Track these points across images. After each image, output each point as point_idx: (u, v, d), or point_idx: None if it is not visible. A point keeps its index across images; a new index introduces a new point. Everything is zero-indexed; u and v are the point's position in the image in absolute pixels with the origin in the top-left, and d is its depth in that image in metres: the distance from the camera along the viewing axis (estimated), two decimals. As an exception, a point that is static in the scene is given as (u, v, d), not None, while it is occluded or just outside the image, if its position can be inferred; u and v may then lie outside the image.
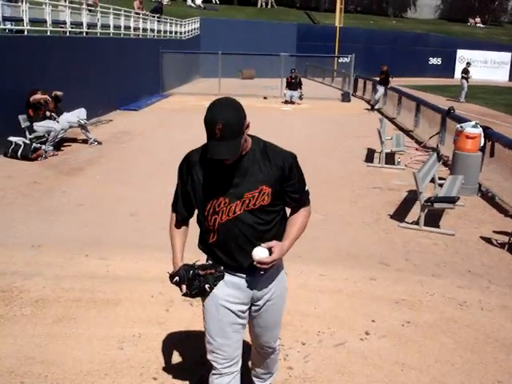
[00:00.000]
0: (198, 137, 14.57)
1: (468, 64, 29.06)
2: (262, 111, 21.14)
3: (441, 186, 9.22)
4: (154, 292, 5.46)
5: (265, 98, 25.15)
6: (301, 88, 24.03)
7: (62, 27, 15.97)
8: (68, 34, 16.14)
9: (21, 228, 7.31)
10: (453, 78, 31.62)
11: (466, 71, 27.87)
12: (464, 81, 27.47)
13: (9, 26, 13.10)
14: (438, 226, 8.00)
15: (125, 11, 21.40)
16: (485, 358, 4.44)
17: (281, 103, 23.65)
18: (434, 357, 4.42)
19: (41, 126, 11.94)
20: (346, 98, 25.70)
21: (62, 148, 12.47)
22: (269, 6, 49.17)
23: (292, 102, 23.58)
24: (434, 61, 47.02)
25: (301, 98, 23.93)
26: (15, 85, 11.81)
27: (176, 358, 4.30)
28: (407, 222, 8.10)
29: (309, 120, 19.03)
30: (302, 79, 25.27)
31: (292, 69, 24.48)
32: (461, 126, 10.21)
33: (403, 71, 34.35)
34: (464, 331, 4.89)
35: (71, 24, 16.28)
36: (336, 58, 37.98)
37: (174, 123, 17.46)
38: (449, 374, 4.20)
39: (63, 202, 8.58)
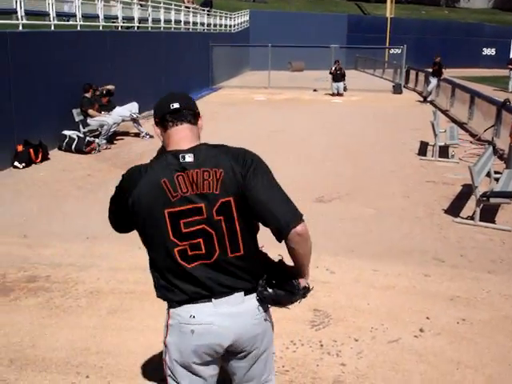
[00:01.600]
0: (248, 129, 14.71)
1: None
2: (311, 103, 21.07)
3: (497, 180, 8.98)
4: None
5: (315, 90, 25.02)
6: (344, 79, 23.86)
7: (113, 22, 16.21)
8: (120, 28, 16.37)
9: (76, 220, 7.47)
10: (507, 68, 30.89)
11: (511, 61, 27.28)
12: (511, 71, 26.86)
13: (63, 22, 13.32)
14: (493, 222, 7.80)
15: (175, 5, 21.59)
16: (544, 358, 4.31)
17: (330, 96, 23.47)
18: (490, 355, 4.31)
19: (94, 120, 12.18)
20: (397, 89, 25.33)
21: (115, 141, 12.70)
22: None
23: (340, 94, 23.41)
24: (487, 51, 45.94)
25: (345, 89, 23.77)
26: (68, 79, 12.06)
27: (228, 351, 4.32)
28: (462, 217, 7.92)
29: (359, 112, 18.82)
30: (352, 71, 25.08)
31: (335, 60, 24.34)
32: (517, 119, 9.92)
33: (456, 62, 33.65)
34: (522, 330, 4.76)
35: (123, 19, 16.51)
36: (387, 50, 37.46)
37: (224, 116, 17.52)
38: (505, 373, 4.09)
39: (116, 195, 8.70)
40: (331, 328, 4.68)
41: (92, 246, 6.54)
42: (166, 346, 2.58)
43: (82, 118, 12.13)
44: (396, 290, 5.46)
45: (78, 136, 11.55)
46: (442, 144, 12.10)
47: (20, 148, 10.18)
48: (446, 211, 8.22)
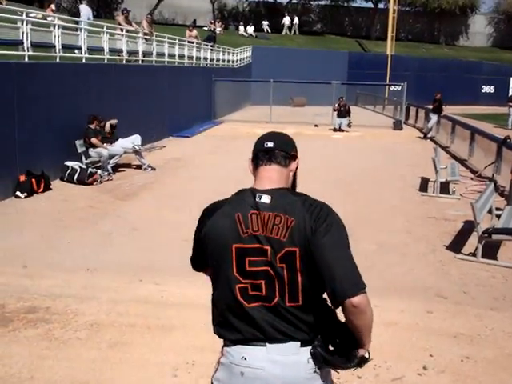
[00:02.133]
0: (248, 164, 14.56)
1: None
2: (312, 139, 21.14)
3: (498, 216, 8.98)
4: (207, 319, 5.36)
5: (316, 125, 25.17)
6: (349, 115, 24.04)
7: (118, 55, 16.40)
8: (124, 61, 16.55)
9: (77, 251, 7.44)
10: (506, 106, 31.16)
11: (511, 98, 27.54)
12: (511, 108, 27.11)
13: (71, 54, 13.48)
14: (495, 258, 7.78)
15: (179, 40, 21.87)
16: (550, 398, 4.26)
17: (331, 131, 23.61)
18: (495, 395, 4.26)
19: (94, 151, 12.25)
20: (397, 125, 25.47)
21: (117, 173, 12.71)
22: (296, 33, 48.94)
23: (341, 130, 23.54)
24: (486, 89, 46.32)
25: (349, 125, 23.90)
26: (72, 111, 12.16)
27: (230, 387, 4.26)
28: (464, 254, 7.90)
29: (360, 148, 18.91)
30: (353, 107, 25.25)
31: (340, 97, 24.56)
32: (519, 156, 9.97)
33: (455, 99, 33.86)
34: (527, 369, 4.71)
35: (127, 52, 16.71)
36: (387, 86, 37.81)
37: (226, 150, 17.60)
38: (512, 413, 4.04)
39: (118, 227, 8.71)
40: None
41: (92, 278, 6.50)
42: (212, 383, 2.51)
43: (84, 149, 12.19)
44: (399, 326, 5.42)
45: (80, 167, 11.59)
46: (443, 180, 12.13)
47: (22, 178, 10.20)
48: (448, 247, 8.20)
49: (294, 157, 2.55)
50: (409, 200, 11.29)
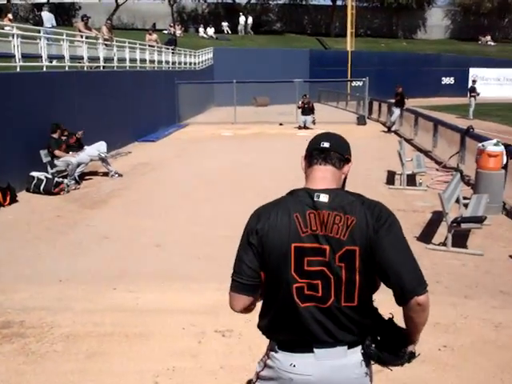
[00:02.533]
0: (216, 166, 14.65)
1: (474, 82, 29.21)
2: (278, 137, 21.23)
3: (465, 205, 9.13)
4: (184, 324, 5.42)
5: (280, 124, 25.24)
6: (313, 113, 24.18)
7: (79, 62, 16.21)
8: (85, 68, 16.36)
9: (47, 263, 7.33)
10: (466, 96, 31.63)
11: (472, 89, 28.03)
12: (472, 98, 27.62)
13: (26, 63, 13.28)
14: (465, 247, 7.90)
15: (140, 44, 21.72)
16: (527, 381, 4.34)
17: (296, 129, 23.69)
18: (474, 381, 4.33)
19: (60, 161, 12.09)
20: (361, 121, 25.69)
21: (84, 181, 12.56)
22: (250, 33, 48.89)
23: (306, 128, 23.65)
24: (446, 80, 47.01)
25: (314, 122, 24.03)
26: (35, 120, 11.97)
27: (212, 390, 4.25)
28: (434, 244, 8.01)
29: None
30: (316, 104, 25.38)
31: (303, 94, 24.67)
32: (482, 145, 10.14)
33: (416, 92, 34.29)
34: (502, 353, 4.79)
35: (88, 59, 16.53)
36: (349, 82, 38.12)
37: (193, 153, 17.55)
38: (492, 398, 4.11)
39: (88, 235, 8.61)
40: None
41: (65, 289, 6.41)
42: (258, 378, 2.53)
43: (49, 158, 12.01)
44: (376, 319, 5.47)
45: (46, 177, 11.41)
46: (410, 172, 12.28)
47: (-13, 192, 10.01)
48: (419, 238, 8.30)
49: (348, 160, 2.55)
50: (376, 193, 11.35)
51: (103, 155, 13.03)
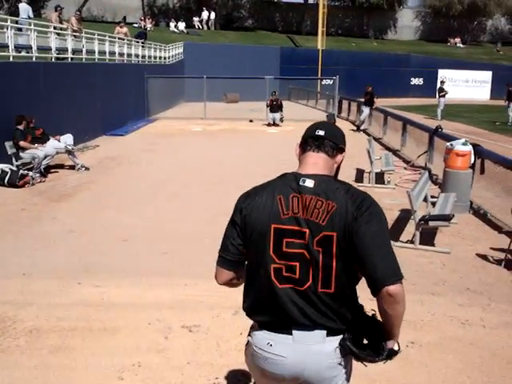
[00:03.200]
0: (186, 160, 14.53)
1: (442, 83, 29.57)
2: (247, 134, 21.19)
3: (433, 204, 9.21)
4: (151, 319, 5.34)
5: (251, 121, 25.20)
6: (282, 110, 24.21)
7: (47, 53, 15.92)
8: (53, 59, 16.07)
9: (11, 256, 7.16)
10: (435, 97, 32.01)
11: (440, 90, 28.38)
12: (441, 99, 27.97)
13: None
14: (433, 245, 7.96)
15: (109, 36, 21.44)
16: (492, 377, 4.37)
17: (266, 126, 23.67)
18: (441, 377, 4.35)
19: (26, 153, 11.85)
20: (330, 119, 25.71)
21: (50, 174, 12.33)
22: (212, 28, 48.63)
23: (275, 124, 23.66)
24: (415, 81, 47.51)
25: (282, 120, 24.06)
26: (0, 111, 11.70)
27: (178, 386, 4.18)
28: (402, 241, 8.05)
29: (295, 142, 18.91)
30: (286, 102, 25.38)
31: (272, 92, 24.68)
32: (451, 144, 10.23)
33: (386, 92, 34.55)
34: (469, 350, 4.82)
35: (56, 50, 16.23)
36: (319, 81, 38.24)
37: (161, 147, 17.40)
38: (458, 394, 4.13)
39: (53, 229, 8.44)
40: None
41: (29, 283, 6.26)
42: (246, 355, 2.64)
43: (14, 150, 11.77)
44: (344, 315, 5.45)
45: (10, 169, 11.17)
46: (378, 171, 12.36)
47: (-51, 183, 9.76)
48: (387, 236, 8.32)
49: (342, 150, 2.61)
50: (346, 191, 11.40)
51: (70, 148, 12.82)
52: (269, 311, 2.42)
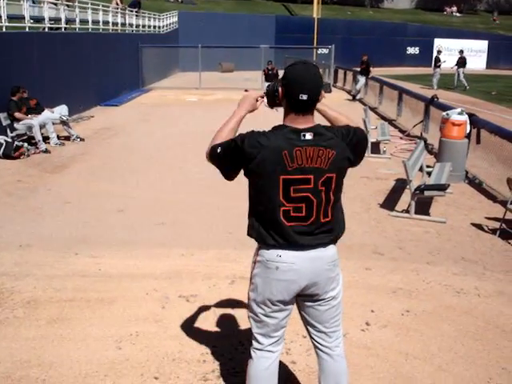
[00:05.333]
0: (180, 132, 14.43)
1: (439, 52, 29.31)
2: (243, 104, 21.05)
3: (429, 174, 9.22)
4: (148, 289, 5.37)
5: (246, 90, 24.83)
6: (277, 79, 24.01)
7: (40, 23, 15.70)
8: (47, 29, 15.86)
9: (7, 228, 7.16)
10: (431, 66, 31.75)
11: (437, 59, 28.17)
12: (437, 69, 27.80)
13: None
14: (428, 214, 7.99)
15: (103, 6, 21.14)
16: (487, 345, 4.42)
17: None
18: (436, 345, 4.39)
19: (21, 124, 11.77)
20: (326, 88, 25.59)
21: (45, 145, 12.25)
22: None
23: (271, 94, 23.52)
24: (411, 50, 47.24)
25: None
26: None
27: (176, 355, 4.21)
28: (397, 211, 8.08)
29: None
30: (281, 71, 25.11)
31: (269, 61, 24.52)
32: (447, 114, 10.20)
33: (381, 61, 34.33)
34: (464, 318, 4.87)
35: (50, 20, 16.01)
36: (315, 50, 37.95)
37: (156, 118, 17.32)
38: (453, 362, 4.17)
39: (49, 200, 8.43)
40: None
41: (26, 254, 6.27)
42: (251, 279, 3.03)
43: (9, 122, 11.68)
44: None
45: (5, 141, 11.09)
46: (374, 140, 12.35)
47: None
48: (382, 205, 8.37)
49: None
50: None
51: (65, 118, 12.73)
52: (278, 240, 2.85)
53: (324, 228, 2.89)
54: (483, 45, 47.09)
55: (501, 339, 4.52)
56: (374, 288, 5.49)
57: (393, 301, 5.20)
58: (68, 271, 5.81)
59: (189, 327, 4.62)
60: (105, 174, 10.14)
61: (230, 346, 4.31)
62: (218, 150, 2.91)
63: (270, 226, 2.85)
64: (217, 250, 6.35)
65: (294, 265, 2.86)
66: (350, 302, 5.10)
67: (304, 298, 3.03)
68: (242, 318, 4.58)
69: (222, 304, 5.01)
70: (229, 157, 2.87)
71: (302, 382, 3.90)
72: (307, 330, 3.21)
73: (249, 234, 2.95)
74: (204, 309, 4.92)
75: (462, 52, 28.97)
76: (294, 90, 2.79)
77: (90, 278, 5.63)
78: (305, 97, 2.76)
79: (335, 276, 3.02)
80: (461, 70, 27.97)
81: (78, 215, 7.76)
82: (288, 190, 2.78)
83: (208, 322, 4.71)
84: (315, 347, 3.22)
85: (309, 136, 2.78)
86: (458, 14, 55.43)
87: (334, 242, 2.99)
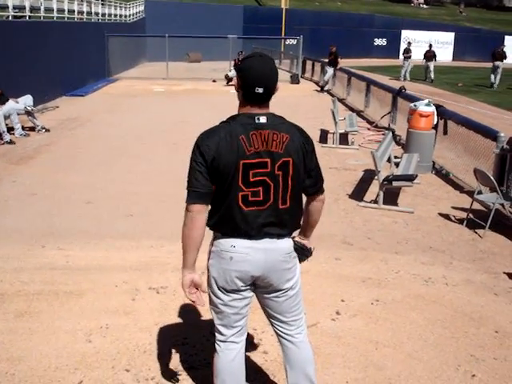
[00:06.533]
0: (148, 122, 14.29)
1: (409, 44, 29.52)
2: (211, 94, 20.99)
3: (396, 164, 9.31)
4: (117, 281, 5.31)
5: (214, 80, 24.95)
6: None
7: (4, 11, 15.36)
8: (11, 18, 15.52)
9: (-28, 220, 7.02)
10: (398, 58, 32.01)
11: (406, 51, 28.37)
12: (405, 60, 28.01)
13: None
14: (396, 204, 8.07)
15: (68, -6, 20.78)
16: (456, 333, 4.49)
17: (229, 86, 23.43)
18: (406, 334, 4.44)
19: (-16, 115, 11.54)
20: (294, 79, 25.68)
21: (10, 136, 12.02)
22: None
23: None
24: (379, 41, 47.48)
25: None
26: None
27: (147, 347, 4.18)
28: (366, 201, 8.14)
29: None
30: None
31: (239, 51, 24.43)
32: (414, 105, 10.29)
33: (349, 52, 34.49)
34: (432, 307, 4.93)
35: (14, 8, 15.66)
36: (283, 40, 37.93)
37: (123, 108, 17.13)
38: (422, 350, 4.22)
39: (15, 192, 8.28)
40: (250, 316, 4.64)
41: (-9, 247, 6.15)
42: (208, 270, 3.03)
43: (-29, 112, 11.44)
44: (309, 274, 5.46)
45: (-32, 131, 10.88)
46: (342, 131, 12.41)
47: None
48: (351, 196, 8.42)
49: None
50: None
51: (30, 109, 12.50)
52: (233, 225, 2.87)
53: (281, 217, 2.90)
54: (450, 37, 47.55)
55: (469, 327, 4.60)
56: (344, 278, 5.53)
57: (362, 290, 5.24)
58: (35, 264, 5.72)
59: (159, 319, 4.60)
60: (71, 165, 9.99)
61: (202, 337, 4.30)
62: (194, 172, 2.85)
63: (228, 213, 2.85)
64: (187, 241, 6.31)
65: (248, 255, 2.88)
66: (320, 292, 5.14)
67: (261, 290, 3.05)
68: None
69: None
70: (203, 173, 2.81)
71: (274, 371, 3.91)
72: (269, 320, 3.24)
73: (207, 225, 2.92)
74: (174, 300, 4.90)
75: (430, 46, 29.20)
76: (250, 83, 2.81)
77: (58, 271, 5.55)
78: (261, 90, 2.80)
79: (291, 267, 3.02)
80: (430, 63, 28.15)
81: (45, 207, 7.64)
82: (247, 175, 2.80)
83: (178, 314, 4.69)
84: (278, 335, 3.25)
85: (263, 119, 2.83)
86: (425, 6, 55.96)
87: (289, 235, 3.00)
